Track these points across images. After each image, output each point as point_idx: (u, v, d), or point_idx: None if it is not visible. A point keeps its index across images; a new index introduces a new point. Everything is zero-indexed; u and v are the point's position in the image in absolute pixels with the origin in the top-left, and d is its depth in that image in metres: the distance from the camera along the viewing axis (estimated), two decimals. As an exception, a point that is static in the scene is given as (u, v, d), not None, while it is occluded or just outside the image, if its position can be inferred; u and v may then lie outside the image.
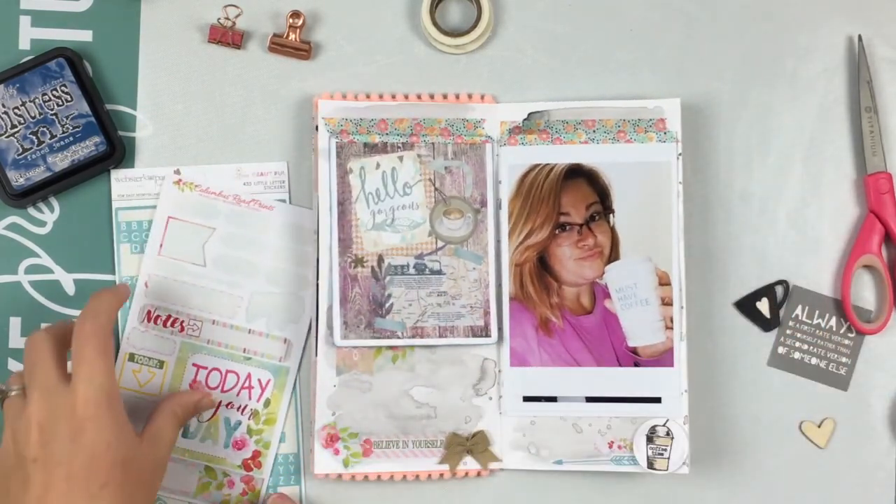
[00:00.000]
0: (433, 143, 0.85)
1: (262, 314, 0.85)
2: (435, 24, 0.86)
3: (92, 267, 0.85)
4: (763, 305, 0.87)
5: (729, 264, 0.87)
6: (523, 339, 0.85)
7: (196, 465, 0.85)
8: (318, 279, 0.84)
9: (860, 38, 0.87)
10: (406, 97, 0.86)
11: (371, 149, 0.85)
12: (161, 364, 0.84)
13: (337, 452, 0.84)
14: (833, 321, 0.87)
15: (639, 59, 0.88)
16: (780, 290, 0.87)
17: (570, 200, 0.85)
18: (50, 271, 0.85)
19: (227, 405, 0.85)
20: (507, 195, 0.85)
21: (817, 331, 0.87)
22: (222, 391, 0.85)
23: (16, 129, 0.83)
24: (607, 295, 0.85)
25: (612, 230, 0.85)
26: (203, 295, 0.85)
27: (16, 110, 0.83)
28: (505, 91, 0.87)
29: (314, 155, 0.85)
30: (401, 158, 0.85)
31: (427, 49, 0.87)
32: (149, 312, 0.84)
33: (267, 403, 0.85)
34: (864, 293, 0.87)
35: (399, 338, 0.84)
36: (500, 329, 0.85)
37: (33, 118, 0.83)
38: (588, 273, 0.85)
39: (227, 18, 0.86)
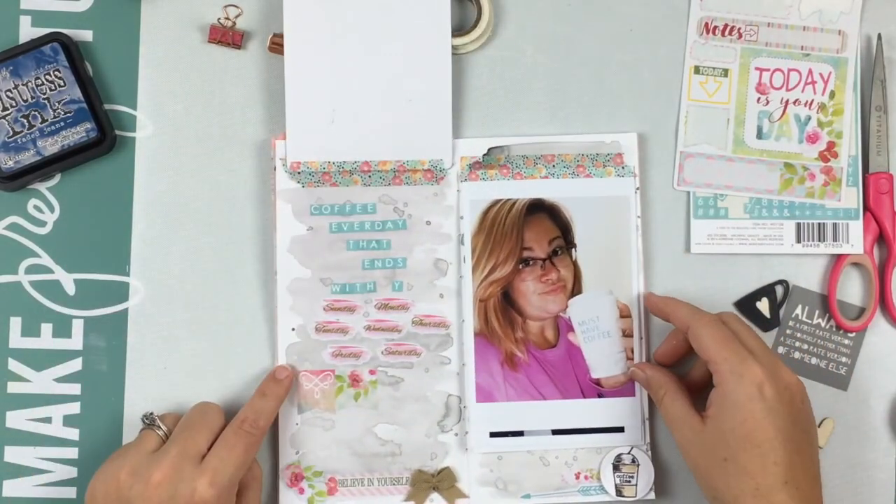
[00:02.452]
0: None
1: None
2: (435, 24, 0.86)
3: (92, 267, 0.85)
4: (763, 305, 0.87)
5: (729, 264, 0.87)
6: (489, 375, 0.85)
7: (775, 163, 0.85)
8: (277, 315, 0.84)
9: (879, 36, 0.87)
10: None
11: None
12: (725, 72, 0.85)
13: (302, 492, 0.84)
14: (833, 321, 0.87)
15: (639, 59, 0.88)
16: (780, 290, 0.87)
17: (533, 235, 0.85)
18: (50, 271, 0.85)
19: (793, 102, 0.84)
20: (469, 231, 0.85)
21: (817, 331, 0.87)
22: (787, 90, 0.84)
23: (7, 112, 0.83)
24: (571, 328, 0.86)
25: (575, 264, 0.85)
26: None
27: (8, 93, 0.83)
28: (505, 92, 0.87)
29: (272, 195, 0.85)
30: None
31: (427, 49, 0.87)
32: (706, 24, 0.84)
33: (832, 95, 0.84)
34: (855, 290, 0.88)
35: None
36: (463, 364, 0.85)
37: (25, 101, 0.83)
38: (552, 307, 0.85)
39: (227, 18, 0.86)
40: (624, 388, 0.85)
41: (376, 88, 0.85)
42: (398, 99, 0.85)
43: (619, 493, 0.85)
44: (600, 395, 0.85)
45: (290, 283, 0.85)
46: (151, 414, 0.81)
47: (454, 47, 0.86)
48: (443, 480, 0.84)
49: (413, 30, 0.84)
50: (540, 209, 0.86)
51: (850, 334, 0.87)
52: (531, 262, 0.86)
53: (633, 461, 0.85)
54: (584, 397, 0.85)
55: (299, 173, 0.85)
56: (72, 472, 0.85)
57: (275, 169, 0.85)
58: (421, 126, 0.85)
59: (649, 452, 0.85)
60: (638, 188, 0.86)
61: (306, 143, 0.85)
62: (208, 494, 0.75)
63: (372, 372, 0.85)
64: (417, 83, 0.85)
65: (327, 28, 0.84)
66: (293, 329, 0.85)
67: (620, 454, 0.85)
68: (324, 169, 0.85)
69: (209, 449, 0.78)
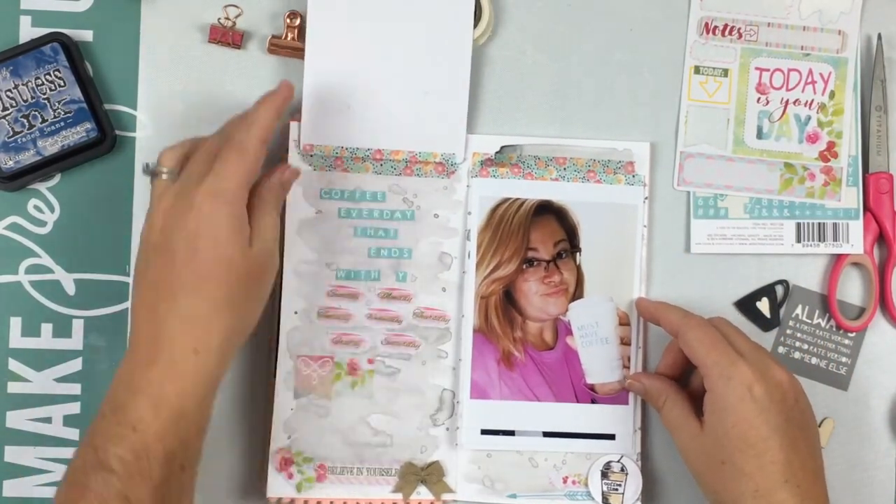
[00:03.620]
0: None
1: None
2: (435, 24, 0.86)
3: (92, 267, 0.85)
4: (763, 305, 0.87)
5: (729, 264, 0.87)
6: (485, 372, 0.85)
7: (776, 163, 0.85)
8: (280, 301, 0.84)
9: (880, 36, 0.87)
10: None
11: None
12: (725, 72, 0.85)
13: (290, 476, 0.84)
14: (833, 321, 0.87)
15: (639, 59, 0.88)
16: (780, 289, 0.87)
17: (539, 236, 0.85)
18: (50, 271, 0.85)
19: (793, 102, 0.84)
20: (476, 226, 0.85)
21: (817, 331, 0.87)
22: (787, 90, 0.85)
23: (7, 112, 0.83)
24: (569, 332, 0.86)
25: (578, 268, 0.86)
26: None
27: (8, 93, 0.83)
28: (504, 92, 0.87)
29: None
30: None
31: (427, 49, 0.87)
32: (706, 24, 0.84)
33: (832, 95, 0.85)
34: (855, 291, 0.88)
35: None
36: (459, 359, 0.85)
37: (25, 101, 0.83)
38: (552, 309, 0.86)
39: (227, 18, 0.86)
40: (618, 395, 0.85)
41: (394, 78, 0.85)
42: (415, 90, 0.85)
43: (605, 500, 0.85)
44: (593, 401, 0.85)
45: (296, 265, 0.84)
46: (147, 164, 0.78)
47: (454, 47, 0.86)
48: (431, 474, 0.84)
49: (435, 22, 0.84)
50: (548, 211, 0.86)
51: (850, 334, 0.87)
52: (535, 263, 0.86)
53: (622, 470, 0.85)
54: (578, 402, 0.85)
55: (311, 156, 0.85)
56: (72, 472, 0.85)
57: (288, 150, 0.85)
58: (436, 119, 0.85)
59: (639, 462, 0.85)
60: (647, 198, 0.86)
61: (321, 127, 0.85)
62: (207, 206, 0.72)
63: (370, 361, 0.85)
64: (436, 76, 0.85)
65: (350, 13, 0.84)
66: (296, 312, 0.84)
67: (610, 462, 0.85)
68: (336, 154, 0.85)
69: None
